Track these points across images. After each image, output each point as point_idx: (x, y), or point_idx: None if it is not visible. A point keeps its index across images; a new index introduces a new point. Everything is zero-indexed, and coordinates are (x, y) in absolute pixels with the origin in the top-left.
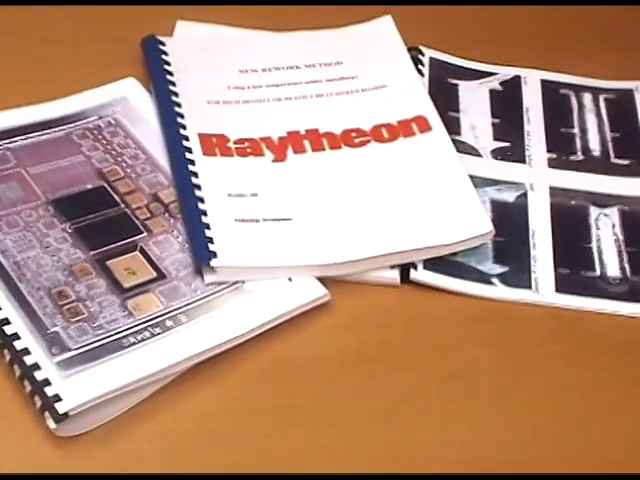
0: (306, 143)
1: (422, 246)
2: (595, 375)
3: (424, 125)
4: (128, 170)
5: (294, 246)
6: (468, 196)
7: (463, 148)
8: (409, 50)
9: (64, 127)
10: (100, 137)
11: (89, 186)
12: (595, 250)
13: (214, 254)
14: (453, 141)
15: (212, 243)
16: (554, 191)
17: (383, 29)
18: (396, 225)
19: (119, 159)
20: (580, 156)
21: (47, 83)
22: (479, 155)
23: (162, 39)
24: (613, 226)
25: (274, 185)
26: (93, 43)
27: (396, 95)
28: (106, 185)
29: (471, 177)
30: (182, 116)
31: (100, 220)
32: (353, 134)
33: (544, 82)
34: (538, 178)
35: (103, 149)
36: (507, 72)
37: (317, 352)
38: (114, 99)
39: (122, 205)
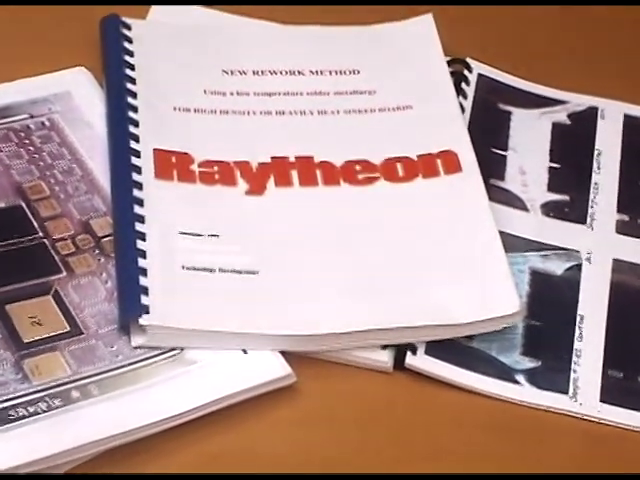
0: (294, 174)
1: (425, 323)
2: None
3: (452, 164)
4: (56, 188)
5: (255, 308)
6: (495, 263)
7: (505, 198)
8: (451, 62)
9: None
10: (27, 142)
11: (1, 204)
12: None
13: (145, 309)
14: (493, 187)
15: (146, 294)
16: (619, 265)
17: (419, 32)
18: (395, 293)
19: (47, 173)
20: None
21: None
22: (525, 209)
23: (128, 21)
24: None
25: (243, 225)
26: (44, 19)
27: (423, 120)
28: (24, 205)
29: (511, 237)
30: (136, 124)
31: (7, 250)
32: (357, 167)
33: (628, 118)
34: (600, 246)
35: (28, 158)
36: (580, 101)
37: (269, 450)
38: (54, 94)
39: (40, 233)
